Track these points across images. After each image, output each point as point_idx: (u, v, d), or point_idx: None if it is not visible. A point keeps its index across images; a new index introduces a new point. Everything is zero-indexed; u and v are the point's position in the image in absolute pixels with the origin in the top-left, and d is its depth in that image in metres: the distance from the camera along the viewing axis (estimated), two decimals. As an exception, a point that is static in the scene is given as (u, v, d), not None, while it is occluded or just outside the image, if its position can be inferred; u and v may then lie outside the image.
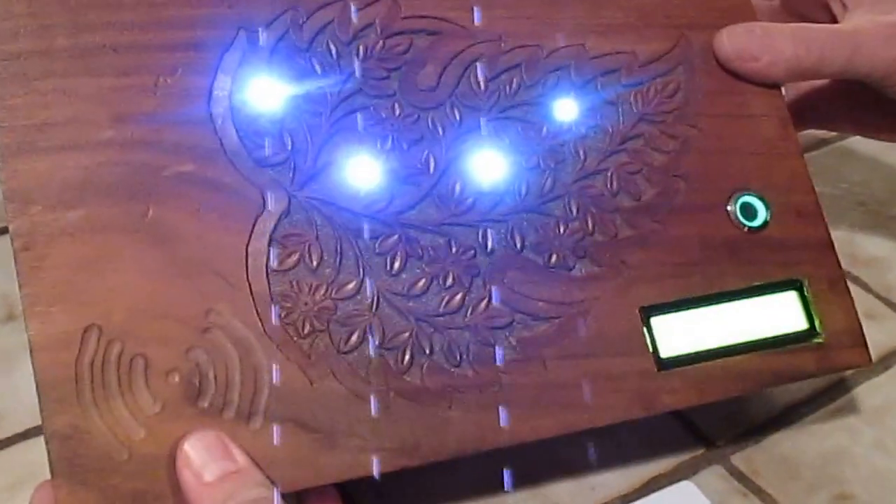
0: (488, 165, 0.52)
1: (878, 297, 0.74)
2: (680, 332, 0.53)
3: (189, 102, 0.49)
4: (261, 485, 0.44)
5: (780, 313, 0.55)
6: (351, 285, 0.49)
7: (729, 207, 0.56)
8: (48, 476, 0.55)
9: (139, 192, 0.47)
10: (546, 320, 0.50)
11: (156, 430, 0.44)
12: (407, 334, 0.48)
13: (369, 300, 0.49)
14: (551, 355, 0.50)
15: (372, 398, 0.47)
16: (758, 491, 0.59)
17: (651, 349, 0.52)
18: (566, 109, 0.54)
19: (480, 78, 0.54)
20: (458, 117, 0.53)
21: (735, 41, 0.58)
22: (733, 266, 0.55)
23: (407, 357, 0.48)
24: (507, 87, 0.54)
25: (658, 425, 0.62)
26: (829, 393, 0.65)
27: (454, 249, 0.50)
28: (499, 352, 0.49)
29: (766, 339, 0.55)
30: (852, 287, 0.71)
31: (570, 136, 0.54)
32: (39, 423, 0.58)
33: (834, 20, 0.64)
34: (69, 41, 0.48)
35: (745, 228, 0.55)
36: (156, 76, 0.49)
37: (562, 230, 0.52)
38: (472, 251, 0.51)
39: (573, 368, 0.50)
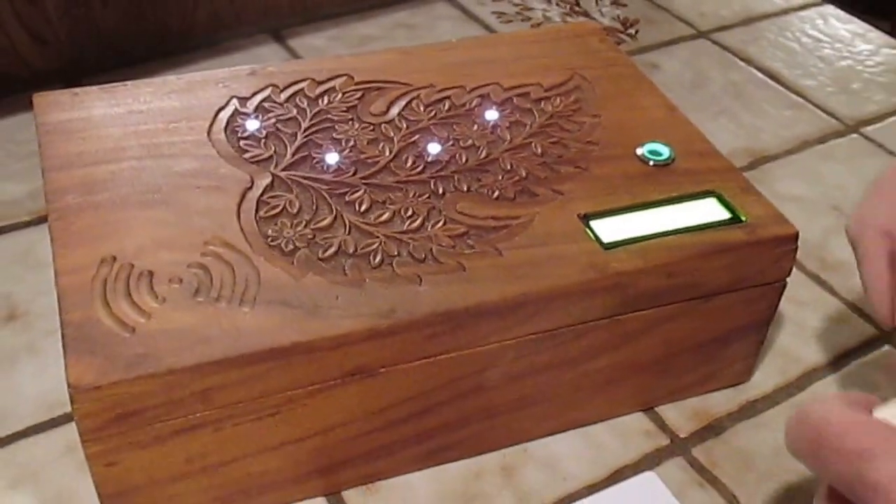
0: (432, 147, 0.65)
1: (841, 299, 0.77)
2: (617, 228, 0.60)
3: (191, 133, 0.65)
4: None
5: (704, 211, 0.62)
6: (326, 221, 0.58)
7: (639, 151, 0.66)
8: (52, 474, 0.60)
9: (153, 182, 0.60)
10: (496, 229, 0.59)
11: (157, 315, 0.52)
12: (377, 244, 0.57)
13: (343, 228, 0.58)
14: (505, 247, 0.58)
15: (349, 282, 0.55)
16: (714, 481, 0.62)
17: (594, 238, 0.59)
18: (491, 114, 0.69)
19: (420, 106, 0.69)
20: (405, 126, 0.67)
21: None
22: (653, 186, 0.63)
23: (378, 258, 0.56)
24: (441, 107, 0.69)
25: (627, 420, 0.66)
26: (787, 389, 0.69)
27: (411, 195, 0.61)
28: (458, 247, 0.58)
29: (697, 226, 0.61)
30: (817, 289, 0.76)
31: (497, 128, 0.68)
32: (40, 421, 0.63)
33: None
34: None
35: (654, 164, 0.65)
36: (167, 122, 0.65)
37: (500, 178, 0.63)
38: (427, 195, 0.61)
39: (527, 254, 0.58)
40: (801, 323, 0.75)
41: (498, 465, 0.62)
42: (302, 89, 0.69)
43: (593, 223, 0.60)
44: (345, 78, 0.70)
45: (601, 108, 0.70)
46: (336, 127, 0.66)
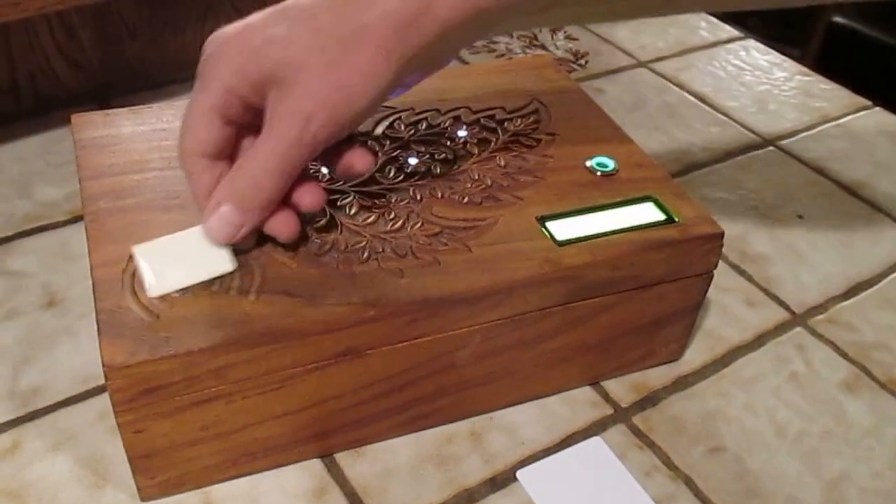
0: (412, 160, 0.65)
1: (759, 287, 0.77)
2: (569, 228, 0.60)
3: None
4: None
5: (643, 214, 0.62)
6: (322, 222, 0.59)
7: (587, 163, 0.66)
8: (87, 438, 0.60)
9: (173, 190, 0.60)
10: (465, 229, 0.59)
11: (178, 304, 0.52)
12: (364, 242, 0.57)
13: (336, 229, 0.58)
14: (474, 244, 0.58)
15: (341, 275, 0.55)
16: (651, 444, 0.63)
17: (549, 237, 0.59)
18: (461, 132, 0.69)
19: (401, 125, 0.69)
20: (388, 142, 0.67)
21: None
22: (599, 193, 0.64)
23: (366, 254, 0.56)
24: (419, 127, 0.69)
25: (576, 392, 0.66)
26: (713, 366, 0.69)
27: (393, 200, 0.61)
28: (434, 244, 0.58)
29: (637, 226, 0.61)
30: (739, 279, 0.76)
31: (466, 144, 0.68)
32: (78, 392, 0.63)
33: None
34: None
35: (601, 173, 0.65)
36: None
37: (469, 186, 0.63)
38: (407, 200, 0.61)
39: (492, 250, 0.58)
40: (726, 307, 0.75)
41: (467, 431, 0.62)
42: None
43: (548, 224, 0.60)
44: None
45: (555, 128, 0.70)
46: None
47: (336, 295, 0.53)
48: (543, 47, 1.12)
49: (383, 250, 0.57)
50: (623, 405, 0.66)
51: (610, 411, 0.65)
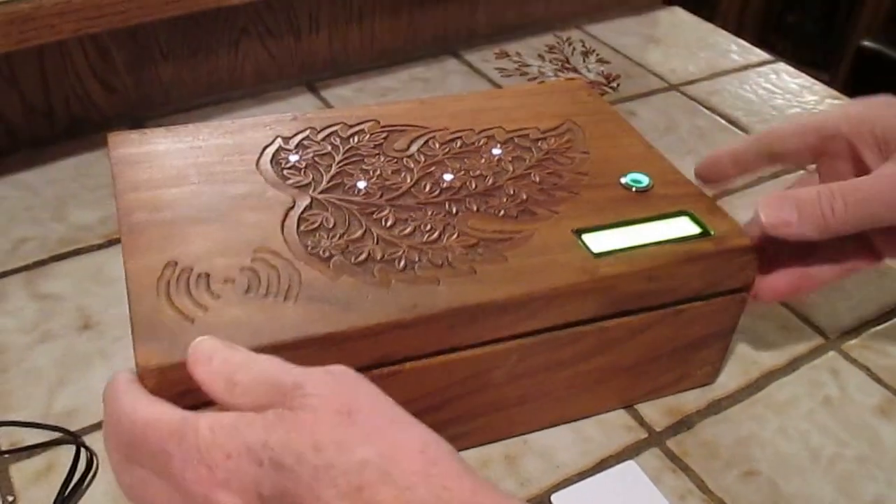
0: (447, 175, 0.65)
1: (792, 311, 0.77)
2: (606, 240, 0.60)
3: (242, 165, 0.64)
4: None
5: (678, 227, 0.62)
6: (357, 234, 0.59)
7: (622, 180, 0.66)
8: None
9: (209, 203, 0.60)
10: (501, 241, 0.59)
11: (213, 309, 0.52)
12: (401, 252, 0.58)
13: (371, 240, 0.58)
14: (511, 255, 0.58)
15: (378, 283, 0.55)
16: (685, 468, 0.63)
17: (586, 248, 0.60)
18: (496, 150, 0.69)
19: (435, 144, 0.69)
20: (423, 159, 0.67)
21: (770, 215, 0.59)
22: (635, 207, 0.64)
23: (402, 263, 0.57)
24: (454, 145, 0.69)
25: (610, 416, 0.66)
26: (747, 390, 0.69)
27: (430, 213, 0.61)
28: (471, 255, 0.58)
29: (673, 238, 0.61)
30: (773, 304, 0.76)
31: (501, 161, 0.68)
32: None
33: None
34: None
35: (635, 189, 0.66)
36: (222, 155, 0.65)
37: (505, 200, 0.63)
38: (443, 214, 0.61)
39: (529, 261, 0.58)
40: (759, 332, 0.75)
41: (502, 454, 0.63)
42: (336, 131, 0.69)
43: (585, 236, 0.60)
44: (372, 122, 0.70)
45: (589, 147, 0.70)
46: (365, 160, 0.66)
47: (373, 301, 0.54)
48: (575, 70, 1.12)
49: (419, 260, 0.57)
50: (657, 429, 0.66)
51: (644, 435, 0.65)
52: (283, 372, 0.44)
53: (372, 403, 0.43)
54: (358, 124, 0.70)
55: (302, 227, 0.59)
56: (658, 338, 0.63)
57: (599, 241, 0.60)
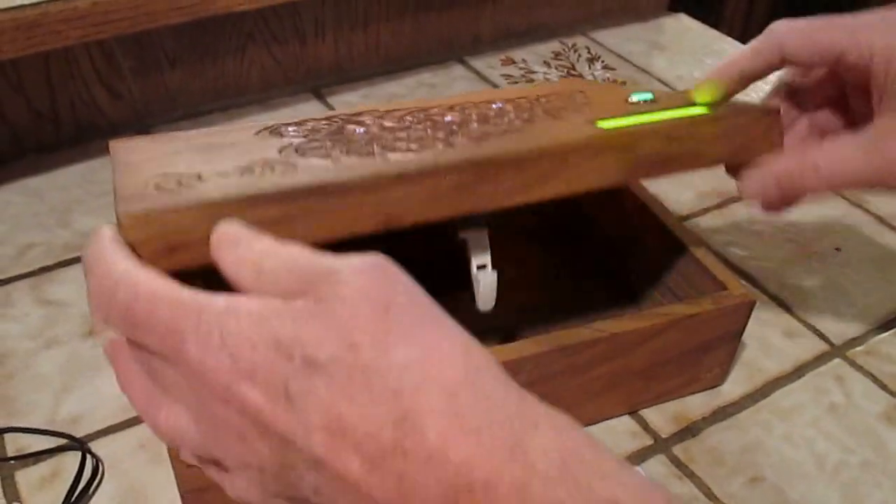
0: (447, 117, 0.60)
1: (798, 319, 0.77)
2: (620, 122, 0.59)
3: (262, 152, 0.56)
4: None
5: (696, 111, 0.62)
6: (360, 143, 0.55)
7: (630, 99, 0.64)
8: (128, 468, 0.60)
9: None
10: (513, 131, 0.57)
11: (209, 178, 0.48)
12: (405, 133, 0.56)
13: (375, 143, 0.55)
14: (525, 128, 0.57)
15: (382, 155, 0.53)
16: (691, 475, 0.63)
17: (601, 125, 0.58)
18: (497, 105, 0.63)
19: (434, 110, 0.62)
20: (422, 116, 0.61)
21: (751, 193, 0.62)
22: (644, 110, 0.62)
23: (406, 133, 0.56)
24: (454, 108, 0.62)
25: (616, 423, 0.66)
26: (753, 397, 0.69)
27: (437, 122, 0.59)
28: (483, 128, 0.57)
29: (692, 115, 0.61)
30: (778, 311, 0.76)
31: (503, 109, 0.62)
32: (119, 421, 0.63)
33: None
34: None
35: (643, 103, 0.63)
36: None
37: (512, 115, 0.60)
38: (446, 132, 0.57)
39: (542, 131, 0.57)
40: (765, 339, 0.75)
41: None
42: (337, 115, 0.65)
43: (600, 123, 0.58)
44: (373, 109, 0.67)
45: (591, 99, 0.66)
46: (364, 123, 0.61)
47: (377, 164, 0.51)
48: (581, 76, 1.12)
49: (429, 133, 0.55)
50: (663, 435, 0.66)
51: (650, 442, 0.65)
52: (315, 257, 0.39)
53: (410, 298, 0.39)
54: (359, 113, 0.67)
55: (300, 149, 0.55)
56: (669, 341, 0.63)
57: (614, 123, 0.59)
